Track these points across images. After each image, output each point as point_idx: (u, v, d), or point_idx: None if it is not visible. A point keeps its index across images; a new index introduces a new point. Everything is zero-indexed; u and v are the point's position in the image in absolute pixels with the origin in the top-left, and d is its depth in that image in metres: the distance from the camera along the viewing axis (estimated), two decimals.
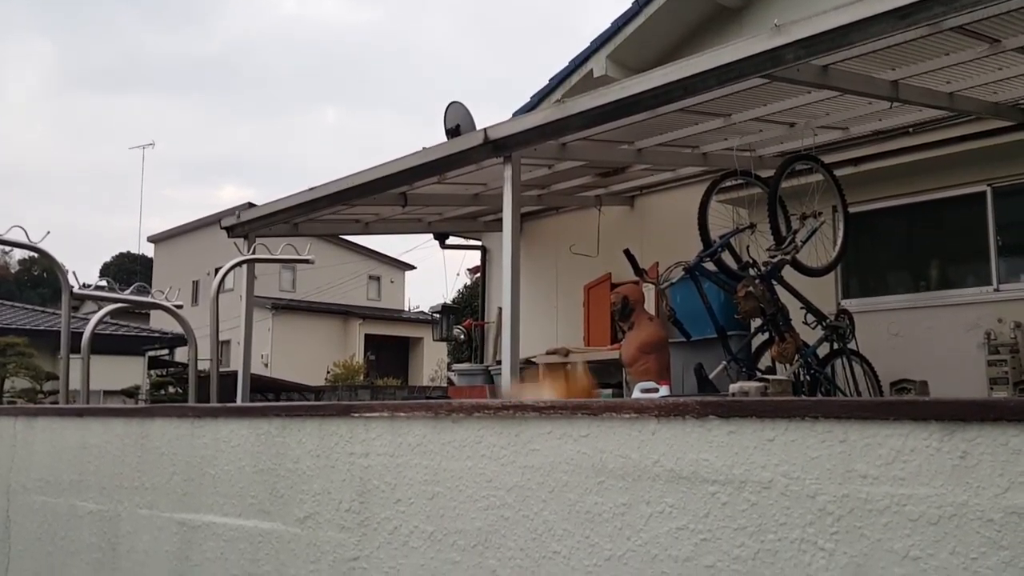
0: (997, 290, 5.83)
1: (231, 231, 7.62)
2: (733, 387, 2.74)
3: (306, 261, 4.90)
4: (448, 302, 11.62)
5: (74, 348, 5.09)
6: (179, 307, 4.99)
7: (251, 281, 6.86)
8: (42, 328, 20.02)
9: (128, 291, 5.70)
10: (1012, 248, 5.85)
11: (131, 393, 20.37)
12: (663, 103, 4.52)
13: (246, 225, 7.49)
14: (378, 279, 30.49)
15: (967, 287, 6.03)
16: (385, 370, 25.54)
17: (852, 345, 5.93)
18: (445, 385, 19.71)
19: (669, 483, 1.86)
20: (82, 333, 5.10)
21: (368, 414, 2.43)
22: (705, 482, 1.81)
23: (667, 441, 1.87)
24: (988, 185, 5.90)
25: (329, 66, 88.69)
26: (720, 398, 1.82)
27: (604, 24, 8.13)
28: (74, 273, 5.17)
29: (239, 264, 4.95)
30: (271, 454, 2.70)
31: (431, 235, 9.76)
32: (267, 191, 76.13)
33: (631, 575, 1.89)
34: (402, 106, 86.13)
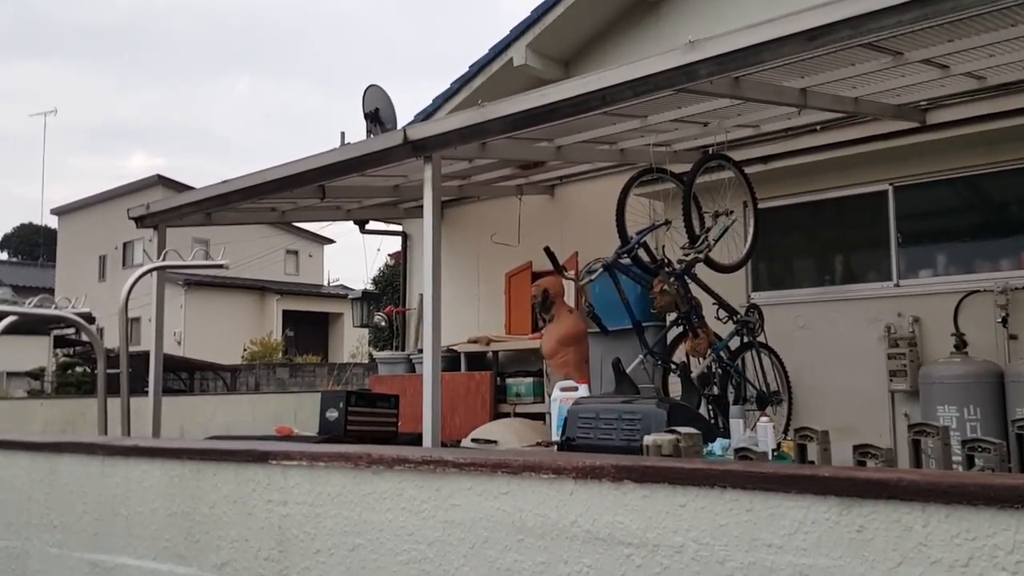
0: (897, 285, 6.10)
1: (140, 222, 7.33)
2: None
3: (219, 266, 4.76)
4: (368, 287, 11.49)
5: None
6: (89, 319, 4.80)
7: (162, 285, 6.60)
8: None
9: (32, 302, 5.44)
10: (911, 245, 6.13)
11: (36, 375, 19.55)
12: (581, 112, 4.54)
13: (156, 216, 7.21)
14: (296, 253, 29.87)
15: (869, 282, 6.29)
16: (304, 346, 25.17)
17: (761, 338, 6.17)
18: (366, 362, 19.55)
19: (586, 543, 1.91)
20: None
21: (286, 462, 2.41)
22: (621, 544, 1.86)
23: (584, 502, 1.92)
24: (890, 184, 6.15)
25: (241, 33, 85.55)
26: (634, 462, 1.87)
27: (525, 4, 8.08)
28: None
29: (148, 272, 4.78)
30: (186, 497, 2.65)
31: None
32: (178, 160, 72.92)
33: None
34: (318, 74, 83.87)
